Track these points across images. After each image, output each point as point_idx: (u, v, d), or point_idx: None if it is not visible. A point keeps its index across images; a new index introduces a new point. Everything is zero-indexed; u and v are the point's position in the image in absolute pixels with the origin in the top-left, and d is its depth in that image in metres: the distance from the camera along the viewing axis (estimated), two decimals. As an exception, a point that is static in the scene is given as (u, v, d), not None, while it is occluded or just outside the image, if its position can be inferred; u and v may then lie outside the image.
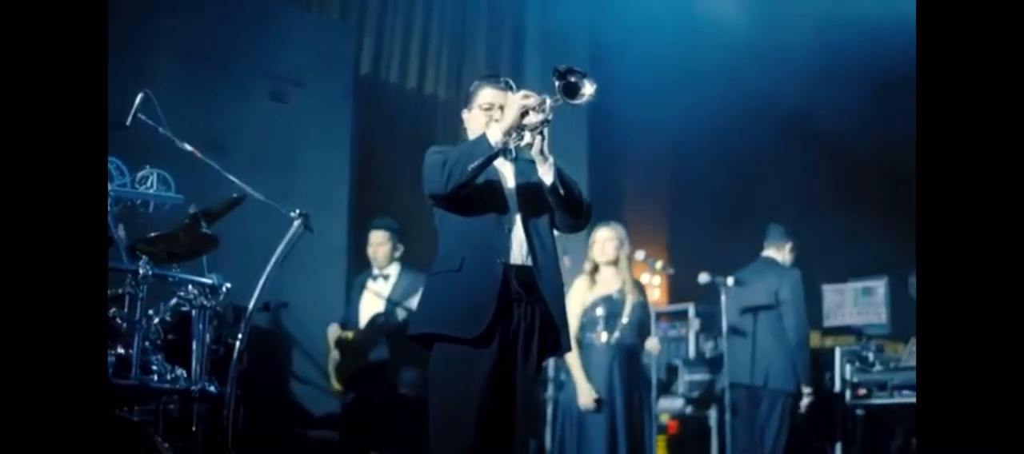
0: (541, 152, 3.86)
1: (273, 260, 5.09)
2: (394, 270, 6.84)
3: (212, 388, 4.74)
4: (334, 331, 6.87)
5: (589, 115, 9.51)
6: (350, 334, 6.75)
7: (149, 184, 4.97)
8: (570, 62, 3.72)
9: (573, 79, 3.65)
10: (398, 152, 8.41)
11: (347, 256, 7.65)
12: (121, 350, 4.47)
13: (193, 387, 4.65)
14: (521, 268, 3.88)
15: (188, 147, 5.13)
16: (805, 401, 6.90)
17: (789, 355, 6.86)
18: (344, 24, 8.18)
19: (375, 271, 6.86)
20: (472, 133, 4.05)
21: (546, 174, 3.88)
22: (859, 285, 8.04)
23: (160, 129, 5.00)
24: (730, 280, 6.88)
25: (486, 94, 4.06)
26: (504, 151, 3.88)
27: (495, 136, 3.75)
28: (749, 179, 9.37)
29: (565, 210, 3.95)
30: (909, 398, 6.91)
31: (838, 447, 7.45)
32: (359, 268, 7.35)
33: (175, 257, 5.05)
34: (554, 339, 3.93)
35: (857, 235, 8.54)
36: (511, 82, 4.11)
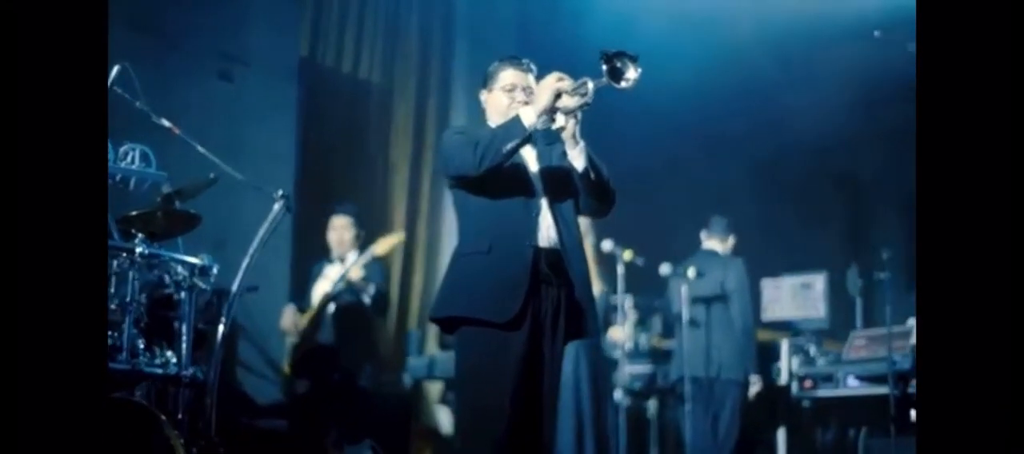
0: (573, 136, 3.83)
1: (256, 241, 4.96)
2: (352, 256, 6.71)
3: (199, 374, 4.57)
4: (289, 314, 6.70)
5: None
6: (304, 318, 6.60)
7: (131, 160, 4.75)
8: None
9: (619, 64, 3.62)
10: (337, 136, 8.26)
11: (292, 239, 7.47)
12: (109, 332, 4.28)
13: (184, 372, 4.47)
14: (549, 251, 3.85)
15: (165, 122, 4.94)
16: (753, 389, 7.03)
17: (737, 345, 6.97)
18: (292, 3, 7.98)
19: (334, 255, 6.72)
20: (494, 114, 4.01)
21: (578, 158, 3.86)
22: (797, 280, 8.19)
23: (137, 103, 4.81)
24: (691, 272, 6.94)
25: (508, 75, 4.02)
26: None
27: (529, 118, 3.70)
28: (687, 170, 9.46)
29: (593, 195, 3.94)
30: (855, 391, 7.08)
31: (782, 437, 7.58)
32: (305, 250, 7.20)
33: (154, 236, 4.83)
34: (581, 322, 3.90)
35: (794, 230, 8.71)
36: (532, 63, 4.06)
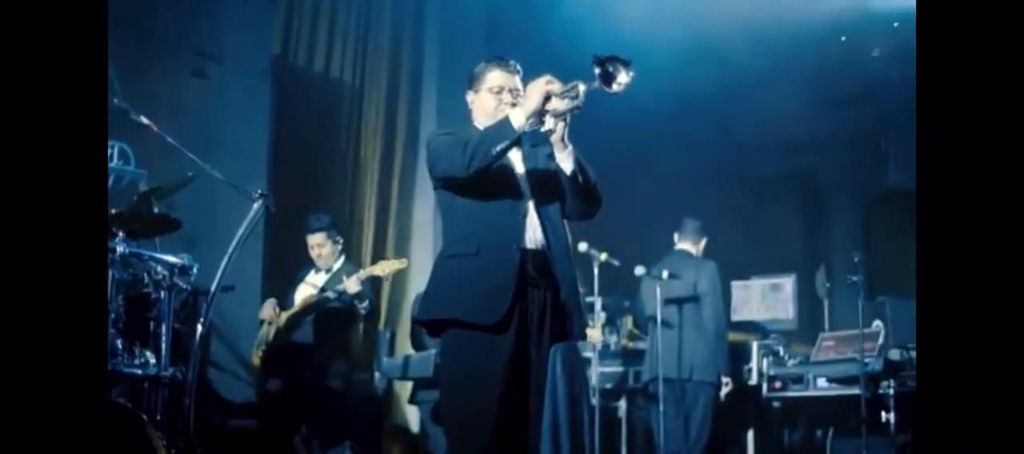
0: (562, 139, 3.83)
1: (235, 240, 4.93)
2: (338, 264, 6.70)
3: (179, 374, 4.54)
4: (270, 306, 6.66)
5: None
6: (283, 315, 6.56)
7: (110, 158, 4.72)
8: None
9: (610, 68, 3.63)
10: (309, 134, 8.23)
11: (264, 239, 7.42)
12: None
13: (163, 372, 4.44)
14: (536, 253, 3.83)
15: (144, 120, 4.90)
16: (725, 391, 7.07)
17: (709, 346, 7.01)
18: (266, 1, 7.93)
19: (318, 266, 6.69)
20: (481, 115, 3.99)
21: (566, 161, 3.86)
22: (767, 282, 8.26)
23: (115, 100, 4.77)
24: (665, 273, 6.97)
25: (495, 76, 4.00)
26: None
27: (519, 120, 3.69)
28: (658, 170, 9.50)
29: (581, 198, 3.94)
30: (824, 392, 7.15)
31: (751, 437, 7.64)
32: (278, 250, 7.16)
33: (134, 236, 4.80)
34: (567, 325, 3.90)
35: (763, 232, 8.78)
36: (518, 65, 4.05)
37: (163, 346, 4.47)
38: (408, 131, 9.44)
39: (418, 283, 8.54)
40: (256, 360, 6.71)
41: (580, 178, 3.87)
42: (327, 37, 8.86)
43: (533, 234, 3.85)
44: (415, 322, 4.08)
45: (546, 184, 3.93)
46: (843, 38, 9.52)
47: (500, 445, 3.68)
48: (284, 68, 8.32)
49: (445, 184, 3.88)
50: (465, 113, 4.17)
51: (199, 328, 4.76)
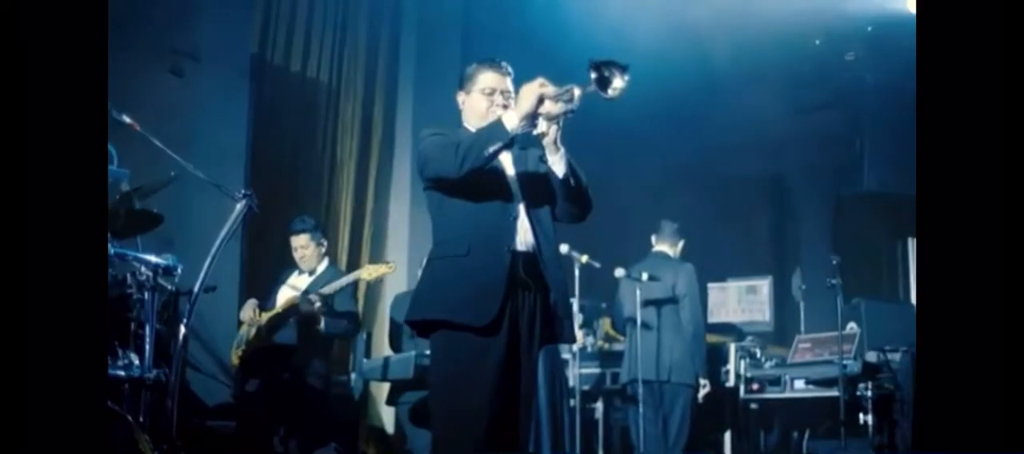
0: (555, 142, 3.83)
1: (219, 241, 4.88)
2: (322, 266, 6.66)
3: (163, 375, 4.50)
4: (250, 307, 6.61)
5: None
6: (264, 316, 6.51)
7: (93, 157, 4.66)
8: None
9: (607, 73, 3.62)
10: (286, 133, 8.19)
11: (241, 240, 7.37)
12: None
13: (147, 374, 4.39)
14: (527, 255, 3.83)
15: (127, 119, 4.85)
16: (702, 392, 7.09)
17: (688, 348, 7.04)
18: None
19: (301, 269, 6.65)
20: (472, 117, 3.98)
21: (558, 164, 3.86)
22: (743, 284, 8.30)
23: (97, 99, 4.70)
24: (644, 275, 6.98)
25: (487, 78, 3.99)
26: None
27: (512, 122, 3.67)
28: (636, 174, 9.53)
29: (572, 201, 3.94)
30: (801, 393, 7.20)
31: (728, 439, 7.68)
32: (256, 250, 7.11)
33: (117, 235, 4.76)
34: (557, 328, 3.90)
35: (740, 235, 8.83)
36: (510, 67, 4.05)
37: (147, 348, 4.42)
38: (384, 131, 9.42)
39: (394, 284, 8.52)
40: (235, 360, 6.66)
41: (572, 181, 3.87)
42: (304, 36, 8.81)
43: (524, 236, 3.85)
44: (405, 323, 4.04)
45: (536, 187, 3.93)
46: (817, 42, 9.60)
47: (489, 446, 3.68)
48: (262, 67, 8.26)
49: (436, 185, 3.86)
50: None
51: (182, 329, 4.71)
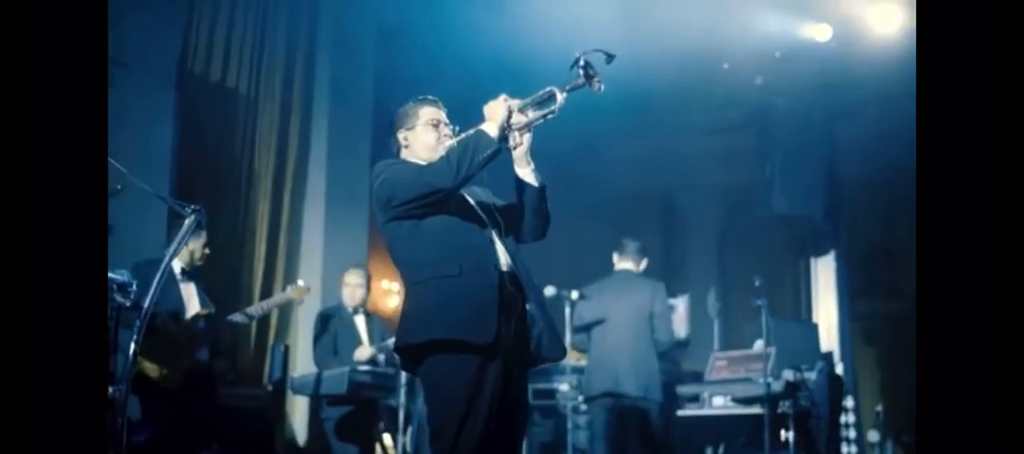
0: (526, 154, 3.93)
1: (168, 256, 4.81)
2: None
3: (118, 393, 4.40)
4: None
5: (374, 113, 9.53)
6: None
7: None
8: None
9: (591, 70, 3.70)
10: (208, 143, 8.07)
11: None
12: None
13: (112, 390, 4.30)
14: (510, 275, 3.86)
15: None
16: (657, 410, 7.12)
17: (650, 365, 7.06)
18: (173, 5, 7.74)
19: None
20: (421, 149, 4.00)
21: (531, 176, 3.94)
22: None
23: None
24: (574, 293, 7.05)
25: (428, 112, 4.04)
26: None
27: (492, 132, 3.75)
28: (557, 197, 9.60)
29: (540, 214, 4.00)
30: (721, 410, 7.36)
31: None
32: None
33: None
34: (544, 345, 3.93)
35: (658, 253, 8.99)
36: (439, 100, 4.11)
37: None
38: (300, 145, 9.35)
39: (309, 299, 8.44)
40: (153, 374, 6.53)
41: (545, 192, 3.95)
42: (224, 46, 8.69)
43: (503, 257, 3.89)
44: (397, 348, 3.99)
45: (496, 215, 3.99)
46: (726, 65, 9.84)
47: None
48: (185, 76, 8.13)
49: (410, 210, 3.84)
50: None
51: (132, 346, 4.61)
